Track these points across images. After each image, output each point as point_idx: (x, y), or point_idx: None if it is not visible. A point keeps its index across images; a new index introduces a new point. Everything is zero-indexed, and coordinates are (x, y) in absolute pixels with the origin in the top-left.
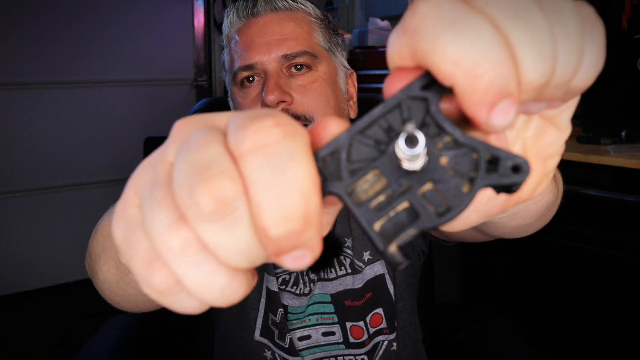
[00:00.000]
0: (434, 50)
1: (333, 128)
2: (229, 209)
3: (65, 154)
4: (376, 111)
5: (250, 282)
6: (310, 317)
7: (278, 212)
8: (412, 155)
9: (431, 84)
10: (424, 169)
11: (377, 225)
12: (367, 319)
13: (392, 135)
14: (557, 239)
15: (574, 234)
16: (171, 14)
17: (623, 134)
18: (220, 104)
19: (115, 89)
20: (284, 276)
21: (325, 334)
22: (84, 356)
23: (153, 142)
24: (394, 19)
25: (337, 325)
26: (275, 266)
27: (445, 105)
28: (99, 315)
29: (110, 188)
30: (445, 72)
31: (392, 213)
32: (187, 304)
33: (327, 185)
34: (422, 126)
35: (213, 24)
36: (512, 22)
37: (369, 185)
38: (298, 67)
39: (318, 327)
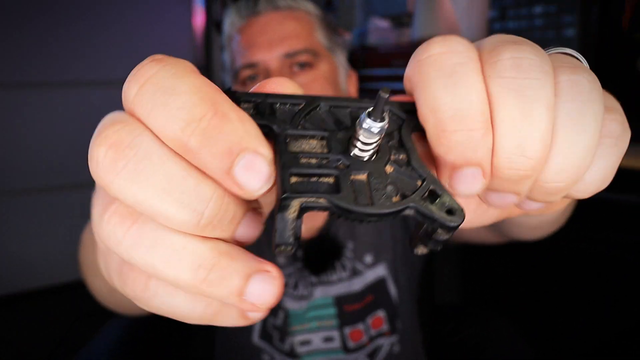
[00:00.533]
0: (422, 89)
1: (286, 86)
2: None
3: (64, 154)
4: (354, 100)
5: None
6: (311, 321)
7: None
8: (369, 131)
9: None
10: (366, 162)
11: (294, 178)
12: (368, 321)
13: (356, 124)
14: (557, 239)
15: (574, 234)
16: (170, 14)
17: None
18: None
19: (114, 89)
20: (284, 279)
21: (325, 340)
22: (84, 356)
23: None
24: (395, 18)
25: (336, 330)
26: None
27: (424, 144)
28: (99, 315)
29: None
30: (422, 112)
31: (314, 178)
32: (171, 300)
33: (268, 120)
34: (388, 135)
35: (213, 23)
36: (507, 98)
37: (309, 147)
38: (300, 65)
39: (319, 332)
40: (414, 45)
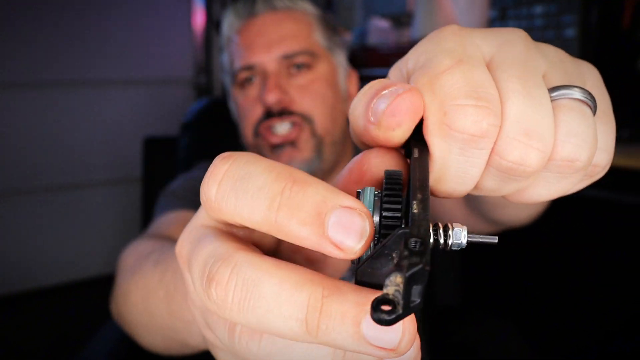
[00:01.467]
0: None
1: (387, 157)
2: None
3: (63, 154)
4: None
5: None
6: None
7: None
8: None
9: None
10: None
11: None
12: None
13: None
14: (558, 239)
15: (574, 234)
16: (170, 14)
17: (623, 134)
18: (220, 104)
19: (113, 89)
20: None
21: None
22: (84, 356)
23: (152, 142)
24: (395, 17)
25: None
26: None
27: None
28: (99, 315)
29: (109, 188)
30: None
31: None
32: None
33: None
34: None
35: (213, 23)
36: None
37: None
38: (298, 66)
39: None
40: (414, 45)
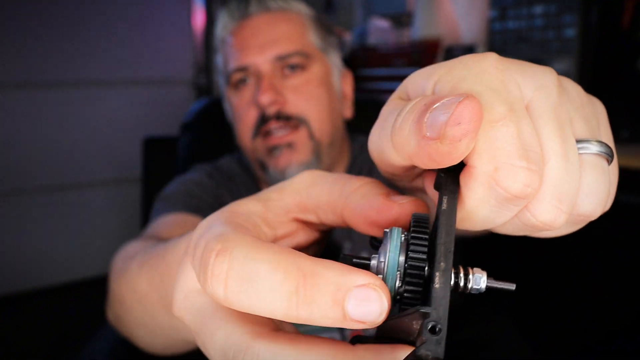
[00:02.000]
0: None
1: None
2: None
3: (63, 154)
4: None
5: None
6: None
7: None
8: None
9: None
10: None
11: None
12: None
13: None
14: (558, 238)
15: (574, 233)
16: (170, 14)
17: (623, 134)
18: (220, 104)
19: (113, 89)
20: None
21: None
22: (84, 356)
23: (152, 142)
24: (395, 17)
25: (337, 332)
26: None
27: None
28: (99, 315)
29: (109, 188)
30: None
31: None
32: None
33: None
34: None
35: (213, 24)
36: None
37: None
38: (292, 67)
39: (321, 333)
40: (414, 45)
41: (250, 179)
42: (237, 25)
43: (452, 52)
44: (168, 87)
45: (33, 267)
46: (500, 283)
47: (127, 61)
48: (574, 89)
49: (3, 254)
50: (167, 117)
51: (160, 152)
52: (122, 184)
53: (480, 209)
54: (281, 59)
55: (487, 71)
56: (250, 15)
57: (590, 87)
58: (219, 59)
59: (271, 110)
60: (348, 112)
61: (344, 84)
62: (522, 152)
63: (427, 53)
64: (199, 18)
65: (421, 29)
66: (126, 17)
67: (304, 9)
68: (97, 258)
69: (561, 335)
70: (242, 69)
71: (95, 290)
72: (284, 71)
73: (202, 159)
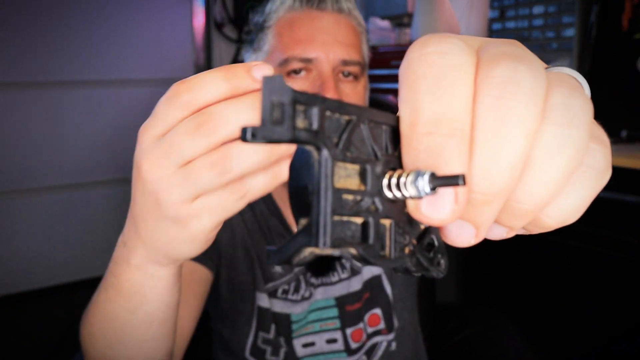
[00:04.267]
0: (406, 88)
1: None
2: None
3: (63, 154)
4: (390, 116)
5: None
6: (314, 323)
7: None
8: (418, 190)
9: None
10: (393, 203)
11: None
12: (366, 319)
13: (407, 177)
14: (558, 238)
15: (575, 233)
16: (171, 13)
17: (623, 134)
18: None
19: (113, 89)
20: (283, 287)
21: (328, 341)
22: (83, 356)
23: None
24: (395, 18)
25: (339, 331)
26: (266, 280)
27: None
28: None
29: (109, 188)
30: (401, 111)
31: (345, 218)
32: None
33: (315, 137)
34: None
35: (213, 23)
36: (486, 117)
37: (346, 175)
38: (346, 74)
39: (322, 333)
40: None
41: None
42: (303, 12)
43: None
44: (168, 87)
45: (33, 267)
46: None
47: (128, 61)
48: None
49: (3, 254)
50: None
51: None
52: (122, 184)
53: None
54: (345, 63)
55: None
56: (323, 9)
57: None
58: (258, 36)
59: None
60: None
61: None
62: None
63: None
64: (199, 18)
65: (421, 29)
66: (127, 18)
67: (362, 20)
68: (97, 258)
69: (560, 333)
70: (306, 60)
71: (94, 291)
72: (339, 75)
73: None
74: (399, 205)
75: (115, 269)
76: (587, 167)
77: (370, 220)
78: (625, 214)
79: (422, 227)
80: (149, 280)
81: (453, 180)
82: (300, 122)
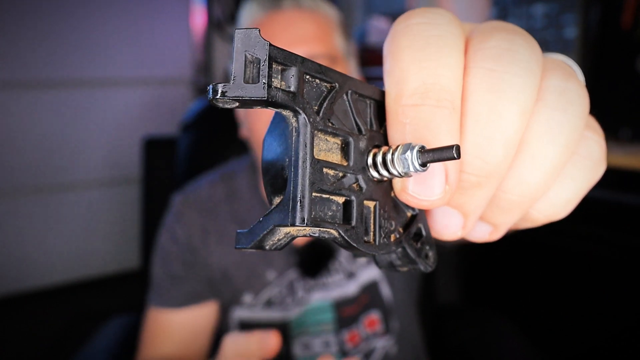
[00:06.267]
0: (390, 59)
1: None
2: None
3: (63, 154)
4: (376, 89)
5: None
6: (309, 327)
7: None
8: (406, 165)
9: None
10: (378, 184)
11: (313, 194)
12: (363, 322)
13: (395, 151)
14: (558, 239)
15: (574, 234)
16: (170, 13)
17: (622, 133)
18: None
19: (113, 89)
20: (278, 290)
21: (324, 344)
22: (84, 356)
23: (151, 142)
24: (395, 17)
25: (333, 335)
26: (261, 285)
27: None
28: (99, 315)
29: (108, 188)
30: (386, 85)
31: (326, 195)
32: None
33: (295, 101)
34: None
35: (213, 23)
36: (479, 90)
37: (327, 148)
38: None
39: (316, 337)
40: None
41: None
42: (265, 17)
43: None
44: (168, 87)
45: (33, 267)
46: (438, 152)
47: (127, 61)
48: None
49: (3, 253)
50: (167, 117)
51: (159, 152)
52: (122, 183)
53: None
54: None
55: None
56: (281, 8)
57: (590, 87)
58: None
59: None
60: None
61: None
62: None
63: None
64: (198, 18)
65: None
66: (126, 17)
67: (332, 13)
68: (97, 258)
69: (560, 334)
70: None
71: (95, 290)
72: None
73: (201, 159)
74: (384, 186)
75: None
76: (581, 157)
77: (354, 199)
78: (626, 215)
79: (409, 214)
80: None
81: (446, 153)
82: (277, 83)
